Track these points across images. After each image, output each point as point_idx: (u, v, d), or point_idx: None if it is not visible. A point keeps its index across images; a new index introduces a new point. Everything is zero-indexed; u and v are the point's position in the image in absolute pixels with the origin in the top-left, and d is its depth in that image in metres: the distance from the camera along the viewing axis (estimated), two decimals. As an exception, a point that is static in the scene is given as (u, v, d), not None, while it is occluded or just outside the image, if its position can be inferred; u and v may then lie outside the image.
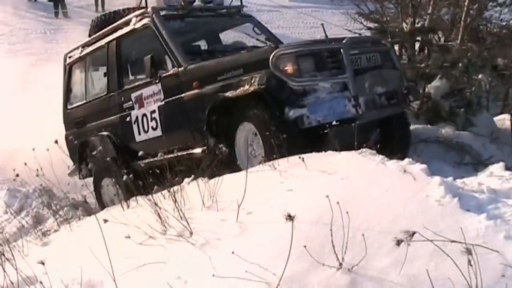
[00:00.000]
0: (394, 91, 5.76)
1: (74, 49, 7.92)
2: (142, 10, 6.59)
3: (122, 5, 13.60)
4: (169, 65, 6.20)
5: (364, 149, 4.33)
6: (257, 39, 7.36)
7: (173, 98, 6.09)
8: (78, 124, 7.71)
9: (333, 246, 2.85)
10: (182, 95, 5.97)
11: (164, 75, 6.17)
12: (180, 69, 6.00)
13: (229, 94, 5.40)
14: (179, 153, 6.04)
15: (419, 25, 9.33)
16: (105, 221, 3.48)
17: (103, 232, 3.25)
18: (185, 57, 6.07)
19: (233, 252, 2.98)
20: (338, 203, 2.95)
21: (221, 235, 3.49)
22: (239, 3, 7.46)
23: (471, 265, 2.44)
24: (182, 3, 6.72)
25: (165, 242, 3.73)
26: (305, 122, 4.98)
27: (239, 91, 5.29)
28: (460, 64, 6.94)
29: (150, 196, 4.27)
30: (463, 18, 9.00)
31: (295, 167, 4.21)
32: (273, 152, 4.77)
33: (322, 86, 5.17)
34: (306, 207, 3.37)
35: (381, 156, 4.12)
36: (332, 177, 3.84)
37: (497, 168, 4.38)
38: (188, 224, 3.70)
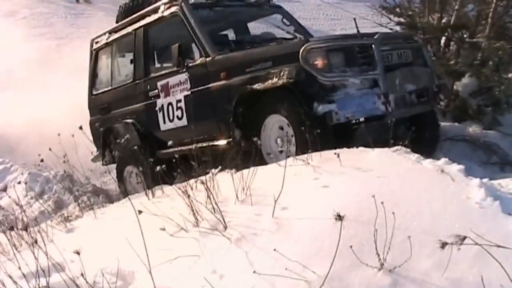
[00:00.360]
0: (424, 89, 5.70)
1: (101, 34, 7.90)
2: None
3: None
4: (197, 54, 6.16)
5: (398, 147, 4.29)
6: (286, 32, 7.27)
7: (200, 88, 6.06)
8: (103, 110, 7.72)
9: (376, 246, 2.81)
10: (209, 85, 5.94)
11: (191, 64, 6.12)
12: (208, 59, 5.97)
13: (256, 86, 5.37)
14: (204, 144, 6.01)
15: (444, 20, 9.26)
16: (140, 212, 3.44)
17: (139, 222, 3.22)
18: (213, 47, 6.03)
19: (275, 249, 2.95)
20: (382, 203, 2.90)
21: (257, 230, 3.45)
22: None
23: (521, 272, 2.40)
24: None
25: (198, 235, 3.70)
26: (334, 118, 4.95)
27: (267, 84, 5.26)
28: (491, 62, 6.85)
29: (180, 186, 4.25)
30: (490, 15, 8.91)
31: (328, 163, 4.17)
32: (305, 147, 4.72)
33: (352, 82, 5.13)
34: (344, 204, 3.32)
35: (416, 155, 4.09)
36: (368, 175, 3.79)
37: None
38: (222, 217, 3.67)
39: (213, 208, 3.80)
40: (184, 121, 6.30)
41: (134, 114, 7.09)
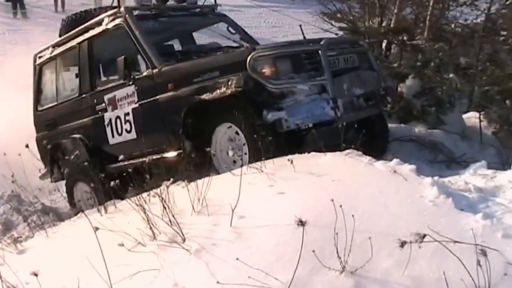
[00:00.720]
0: (371, 92, 5.74)
1: (44, 49, 7.73)
2: (115, 10, 6.46)
3: (82, 6, 13.43)
4: (143, 66, 6.08)
5: (349, 150, 4.35)
6: (232, 40, 7.27)
7: (148, 100, 5.99)
8: (49, 126, 7.54)
9: (336, 249, 2.84)
10: (157, 97, 5.87)
11: (138, 76, 6.05)
12: (154, 70, 5.90)
13: (205, 96, 5.31)
14: (155, 156, 5.92)
15: (384, 24, 9.49)
16: (97, 228, 3.38)
17: (97, 239, 3.16)
18: (159, 58, 5.97)
19: (237, 259, 2.94)
20: (341, 206, 2.94)
21: (216, 241, 3.44)
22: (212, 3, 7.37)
23: (480, 266, 2.46)
24: (155, 3, 6.63)
25: (157, 249, 3.65)
26: (283, 125, 4.93)
27: (216, 94, 5.22)
28: (432, 64, 7.04)
29: (134, 200, 4.20)
30: (428, 18, 9.18)
31: (282, 169, 4.20)
32: (257, 155, 4.71)
33: (300, 89, 5.13)
34: (301, 210, 3.32)
35: (368, 157, 4.16)
36: (323, 179, 3.84)
37: (480, 166, 4.46)
38: (180, 229, 3.64)
39: (170, 221, 3.77)
40: (133, 134, 6.22)
41: (81, 129, 6.96)
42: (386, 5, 10.10)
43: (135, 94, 6.11)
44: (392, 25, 9.08)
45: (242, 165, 4.76)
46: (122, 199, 5.06)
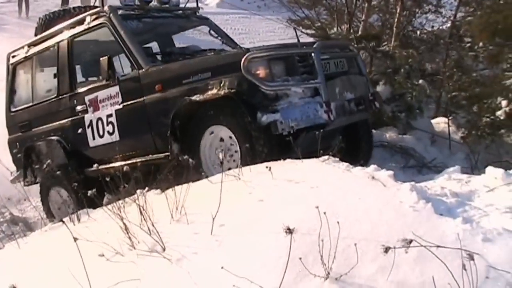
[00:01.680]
0: (361, 97, 5.74)
1: (19, 48, 7.51)
2: (98, 9, 6.34)
3: (47, 11, 13.22)
4: (126, 66, 5.96)
5: (326, 157, 4.36)
6: (222, 42, 7.24)
7: (133, 101, 5.86)
8: (23, 128, 7.32)
9: (321, 256, 2.85)
10: (143, 98, 5.75)
11: (122, 77, 5.93)
12: (140, 71, 5.78)
13: (195, 98, 5.23)
14: (138, 159, 5.82)
15: (352, 31, 9.58)
16: (75, 239, 3.32)
17: (78, 249, 3.11)
18: (146, 58, 5.86)
19: (222, 267, 2.92)
20: (325, 213, 2.95)
21: (197, 249, 3.41)
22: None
23: (465, 269, 2.50)
24: (139, 3, 6.50)
25: (136, 258, 3.61)
26: (279, 127, 4.86)
27: (207, 95, 5.14)
28: (402, 70, 7.13)
29: (111, 208, 4.14)
30: (395, 25, 9.30)
31: (260, 177, 4.19)
32: (249, 158, 4.71)
33: (294, 91, 5.07)
34: (281, 217, 3.35)
35: (345, 164, 4.17)
36: (301, 186, 3.84)
37: (454, 171, 4.52)
38: (160, 238, 3.60)
39: (149, 229, 3.72)
40: (115, 136, 6.07)
41: (59, 131, 6.76)
42: (354, 12, 10.22)
43: (119, 95, 5.97)
44: (360, 32, 9.18)
45: (229, 168, 4.74)
46: (101, 204, 4.97)
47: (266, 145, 4.70)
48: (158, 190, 4.88)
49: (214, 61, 5.49)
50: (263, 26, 17.60)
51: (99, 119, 6.23)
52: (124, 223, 3.84)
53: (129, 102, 5.90)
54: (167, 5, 6.91)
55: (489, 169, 4.10)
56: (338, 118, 5.24)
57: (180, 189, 4.10)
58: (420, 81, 7.31)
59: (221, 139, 5.31)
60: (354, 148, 6.01)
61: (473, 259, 2.51)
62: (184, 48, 7.03)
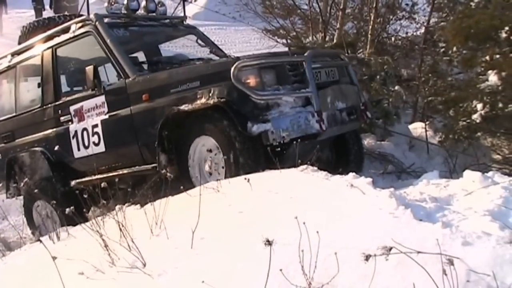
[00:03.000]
0: (353, 107, 5.67)
1: (1, 57, 7.42)
2: (83, 17, 6.27)
3: (18, 29, 13.10)
4: (110, 75, 5.88)
5: (305, 166, 4.36)
6: (213, 52, 7.15)
7: (119, 111, 5.77)
8: (5, 139, 7.20)
9: (302, 266, 2.84)
10: (129, 108, 5.67)
11: (108, 86, 5.84)
12: (127, 80, 5.70)
13: (184, 107, 5.15)
14: (124, 171, 5.74)
15: (327, 39, 9.64)
16: (54, 258, 3.28)
17: (57, 268, 3.07)
18: (133, 67, 5.78)
19: (203, 281, 2.90)
20: (304, 223, 2.94)
21: (178, 264, 3.38)
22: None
23: (446, 274, 2.50)
24: (125, 11, 6.42)
25: (117, 275, 3.57)
26: (270, 138, 4.79)
27: (196, 105, 5.06)
28: (378, 77, 7.18)
29: (91, 225, 4.09)
30: (369, 32, 9.38)
31: (239, 189, 4.19)
32: (234, 168, 4.67)
33: (285, 100, 5.01)
34: (261, 228, 3.34)
35: (324, 172, 4.18)
36: (280, 196, 3.84)
37: (432, 176, 4.55)
38: (140, 254, 3.57)
39: (129, 245, 3.69)
40: (101, 147, 5.96)
41: (43, 142, 6.64)
42: (329, 21, 10.29)
43: (105, 104, 5.88)
44: (335, 40, 9.23)
45: (218, 180, 4.64)
46: (85, 219, 4.86)
47: (253, 156, 4.65)
48: (138, 206, 4.85)
49: (203, 70, 5.40)
50: (239, 36, 17.66)
51: (84, 129, 6.11)
52: (103, 240, 3.80)
53: (115, 112, 5.81)
54: (154, 14, 6.83)
55: (467, 173, 4.13)
56: (330, 128, 5.18)
57: (159, 204, 4.08)
58: (396, 87, 7.36)
59: (209, 150, 5.23)
60: (344, 159, 5.93)
61: (453, 264, 2.51)
62: (171, 57, 6.92)
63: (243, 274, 3.07)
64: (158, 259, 3.53)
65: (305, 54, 5.27)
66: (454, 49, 7.96)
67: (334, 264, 2.90)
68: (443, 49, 9.01)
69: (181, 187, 4.47)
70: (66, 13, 12.06)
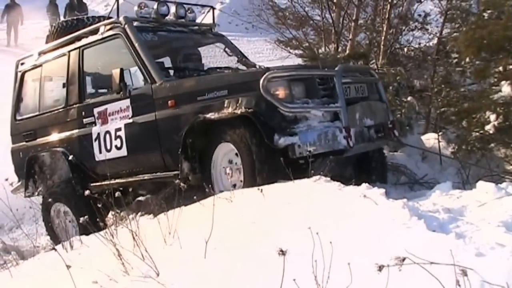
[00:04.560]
0: (381, 124, 5.61)
1: (28, 56, 7.46)
2: (113, 19, 6.27)
3: (35, 39, 13.24)
4: (141, 80, 5.85)
5: (318, 177, 4.36)
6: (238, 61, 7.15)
7: (143, 116, 5.75)
8: (27, 137, 7.20)
9: (315, 277, 2.84)
10: (154, 113, 5.64)
11: (134, 90, 5.83)
12: (153, 85, 5.68)
13: (210, 115, 5.11)
14: (145, 176, 5.71)
15: (340, 50, 9.66)
16: (68, 266, 3.31)
17: (72, 277, 3.10)
18: (160, 72, 5.76)
19: (217, 291, 2.91)
20: (317, 233, 2.95)
21: (191, 274, 3.40)
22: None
23: (459, 286, 2.50)
24: (154, 16, 6.42)
25: (130, 284, 3.60)
26: (296, 151, 4.73)
27: (223, 114, 5.02)
28: (391, 88, 7.17)
29: (105, 234, 4.12)
30: (382, 43, 9.39)
31: (252, 199, 4.21)
32: (253, 180, 4.64)
33: (313, 114, 4.94)
34: (274, 239, 3.35)
35: (337, 183, 4.18)
36: (293, 207, 3.85)
37: (445, 187, 4.55)
38: (153, 263, 3.59)
39: (142, 255, 3.71)
40: (123, 151, 5.93)
41: (65, 142, 6.63)
42: (341, 32, 10.30)
43: (130, 108, 5.86)
44: (348, 51, 9.25)
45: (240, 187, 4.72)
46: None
47: (273, 167, 4.58)
48: (151, 215, 4.88)
49: (231, 79, 5.38)
50: (251, 47, 17.70)
51: (107, 132, 6.09)
52: (117, 249, 3.83)
53: (139, 117, 5.78)
54: (183, 20, 6.80)
55: (480, 184, 4.13)
56: (357, 145, 5.12)
57: (173, 213, 4.10)
58: (409, 98, 7.36)
59: (231, 159, 5.19)
60: (367, 177, 5.75)
61: (466, 275, 2.50)
62: (198, 64, 6.89)
63: (256, 284, 3.08)
64: (172, 269, 3.55)
65: (336, 69, 5.21)
66: (467, 59, 7.92)
67: (347, 275, 2.90)
68: (456, 60, 8.96)
69: (194, 197, 4.48)
70: None
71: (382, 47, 9.35)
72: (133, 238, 3.85)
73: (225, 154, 5.23)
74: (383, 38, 9.40)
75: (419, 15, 10.80)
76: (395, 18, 10.39)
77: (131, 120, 5.86)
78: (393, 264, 2.67)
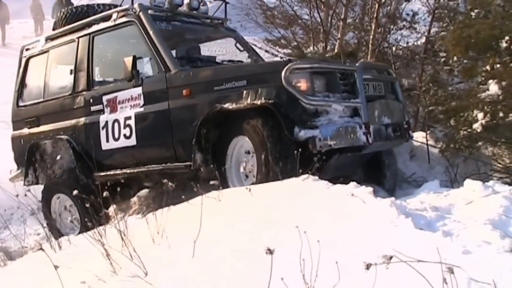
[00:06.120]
0: (397, 124, 5.59)
1: (35, 41, 7.42)
2: (126, 6, 6.20)
3: (23, 38, 13.18)
4: (154, 68, 5.79)
5: (306, 175, 4.36)
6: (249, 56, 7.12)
7: (156, 105, 5.66)
8: (30, 124, 7.11)
9: (303, 275, 2.85)
10: (167, 102, 5.56)
11: (147, 78, 5.75)
12: (168, 74, 5.59)
13: (228, 106, 5.04)
14: (154, 167, 5.63)
15: (328, 48, 9.68)
16: (56, 267, 3.29)
17: (59, 278, 3.08)
18: (175, 61, 5.67)
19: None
20: (305, 232, 2.95)
21: (179, 273, 3.39)
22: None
23: (446, 283, 2.51)
24: (168, 5, 6.37)
25: (118, 284, 3.58)
26: (317, 144, 4.67)
27: (241, 104, 4.94)
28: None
29: (93, 234, 4.10)
30: (370, 42, 9.41)
31: (240, 198, 4.20)
32: (267, 175, 4.59)
33: (334, 108, 4.91)
34: (262, 238, 3.36)
35: (325, 182, 4.18)
36: (281, 206, 3.85)
37: (433, 185, 4.57)
38: (142, 263, 3.58)
39: (130, 255, 3.69)
40: (132, 141, 5.84)
41: (70, 130, 6.53)
42: (330, 31, 10.33)
43: (141, 97, 5.77)
44: (336, 50, 9.27)
45: (252, 183, 4.66)
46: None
47: (289, 161, 4.53)
48: (139, 215, 4.86)
49: (251, 69, 5.35)
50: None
51: (116, 121, 5.99)
52: (105, 249, 3.81)
53: (151, 105, 5.70)
54: (195, 12, 6.77)
55: (468, 182, 4.16)
56: (375, 142, 5.09)
57: (161, 213, 4.09)
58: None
59: (248, 151, 5.11)
60: (376, 181, 5.78)
61: (453, 272, 2.51)
62: (210, 56, 6.86)
63: (245, 283, 3.08)
64: (160, 268, 3.54)
65: (357, 64, 5.20)
66: (455, 58, 7.96)
67: (335, 273, 2.90)
68: (443, 59, 9.01)
69: (183, 197, 4.47)
70: None
71: (370, 46, 9.36)
72: (121, 238, 3.83)
73: (241, 146, 5.16)
74: (371, 37, 9.41)
75: (407, 14, 10.85)
76: (383, 17, 10.42)
77: (142, 109, 5.78)
78: (381, 262, 2.67)
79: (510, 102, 6.55)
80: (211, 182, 4.24)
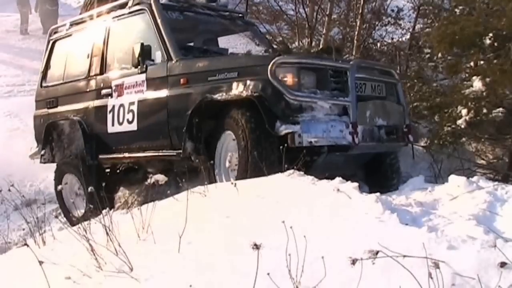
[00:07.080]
0: (394, 126, 5.51)
1: (62, 25, 7.60)
2: None
3: (6, 32, 13.04)
4: (159, 56, 5.83)
5: (292, 171, 4.36)
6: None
7: (156, 91, 5.73)
8: (49, 104, 7.29)
9: (289, 270, 2.85)
10: (167, 90, 5.62)
11: (150, 66, 5.79)
12: (169, 62, 5.65)
13: (217, 96, 5.06)
14: (152, 153, 5.71)
15: (313, 44, 9.69)
16: (41, 262, 3.26)
17: (44, 274, 3.06)
18: (178, 51, 5.72)
19: (191, 286, 2.90)
20: (291, 227, 2.95)
21: (165, 268, 3.38)
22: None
23: (431, 278, 2.52)
24: None
25: (104, 279, 3.56)
26: (296, 140, 4.63)
27: (229, 95, 4.96)
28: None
29: (78, 229, 4.08)
30: (355, 38, 9.44)
31: (225, 194, 4.20)
32: (246, 168, 4.60)
33: (320, 105, 4.86)
34: (247, 233, 3.36)
35: (310, 177, 4.18)
36: (267, 201, 3.85)
37: (417, 181, 4.59)
38: (127, 258, 3.56)
39: (116, 250, 3.68)
40: (133, 126, 5.93)
41: (82, 112, 6.68)
42: (315, 26, 10.34)
43: (145, 83, 5.85)
44: (321, 46, 9.28)
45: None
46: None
47: (269, 156, 4.54)
48: (124, 210, 4.84)
49: (242, 61, 5.38)
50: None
51: (121, 105, 6.09)
52: (90, 244, 3.79)
53: (152, 92, 5.78)
54: (214, 4, 6.76)
55: (452, 178, 4.18)
56: (365, 143, 5.02)
57: (146, 208, 4.08)
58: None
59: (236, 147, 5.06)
60: (379, 178, 5.76)
61: (438, 267, 2.54)
62: (222, 48, 6.95)
63: (231, 278, 3.08)
64: (145, 264, 3.53)
65: (351, 63, 5.17)
66: (439, 55, 8.02)
67: (321, 268, 2.91)
68: (428, 55, 9.07)
69: (168, 192, 4.46)
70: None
71: (355, 42, 9.41)
72: (107, 233, 3.82)
73: (230, 142, 5.15)
74: (356, 33, 9.46)
75: (392, 10, 10.90)
76: (369, 13, 10.47)
77: (144, 95, 5.86)
78: (367, 258, 2.69)
79: (494, 98, 6.61)
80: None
